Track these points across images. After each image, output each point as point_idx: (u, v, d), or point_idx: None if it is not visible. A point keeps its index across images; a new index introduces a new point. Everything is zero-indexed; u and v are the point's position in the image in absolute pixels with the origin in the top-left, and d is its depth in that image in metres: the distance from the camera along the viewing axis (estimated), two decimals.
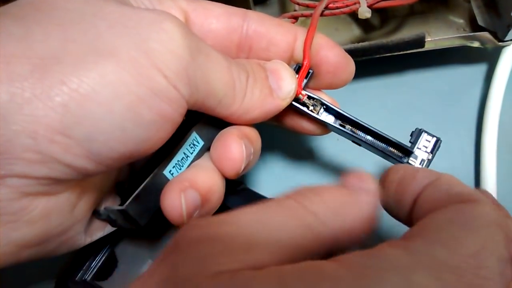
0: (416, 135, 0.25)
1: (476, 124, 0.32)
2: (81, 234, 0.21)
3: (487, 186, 0.30)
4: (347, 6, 0.28)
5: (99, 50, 0.17)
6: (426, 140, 0.25)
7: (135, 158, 0.19)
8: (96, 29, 0.17)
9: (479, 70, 0.34)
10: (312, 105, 0.25)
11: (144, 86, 0.17)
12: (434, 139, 0.25)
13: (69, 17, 0.18)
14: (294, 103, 0.25)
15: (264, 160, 0.33)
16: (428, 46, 0.32)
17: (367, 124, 0.25)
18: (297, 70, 0.25)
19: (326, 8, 0.27)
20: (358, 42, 0.32)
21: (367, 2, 0.28)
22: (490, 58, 0.34)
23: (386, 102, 0.34)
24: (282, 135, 0.33)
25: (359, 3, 0.28)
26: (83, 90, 0.16)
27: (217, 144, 0.23)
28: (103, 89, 0.17)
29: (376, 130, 0.25)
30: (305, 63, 0.24)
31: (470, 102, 0.33)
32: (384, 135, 0.25)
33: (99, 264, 0.24)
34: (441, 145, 0.32)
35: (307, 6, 0.28)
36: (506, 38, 0.31)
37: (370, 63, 0.32)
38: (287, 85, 0.23)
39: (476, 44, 0.32)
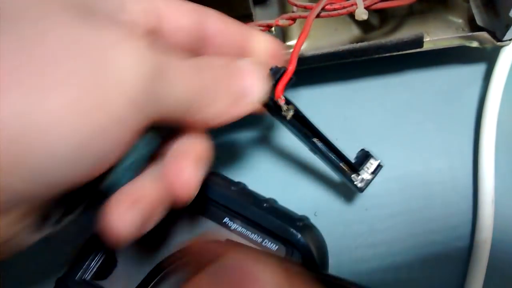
0: (362, 156, 0.28)
1: (475, 124, 0.32)
2: (29, 235, 0.19)
3: (484, 185, 0.30)
4: (344, 7, 0.28)
5: (45, 78, 0.15)
6: (370, 162, 0.27)
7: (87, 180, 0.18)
8: (45, 52, 0.16)
9: (478, 69, 0.34)
10: (286, 110, 0.25)
11: (96, 118, 0.16)
12: (377, 162, 0.28)
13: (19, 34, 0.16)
14: (269, 103, 0.25)
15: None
16: (427, 46, 0.32)
17: (327, 138, 0.27)
18: (274, 72, 0.25)
19: (323, 9, 0.28)
20: (358, 42, 0.32)
21: (364, 4, 0.28)
22: (489, 57, 0.34)
23: (385, 102, 0.34)
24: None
25: (356, 4, 0.28)
26: (21, 122, 0.15)
27: (171, 167, 0.21)
28: (48, 121, 0.15)
29: (334, 145, 0.27)
30: (290, 68, 0.24)
31: (469, 102, 0.33)
32: (339, 151, 0.27)
33: (98, 264, 0.25)
34: (440, 144, 0.32)
35: (305, 8, 0.28)
36: (505, 38, 0.31)
37: (369, 63, 0.32)
38: (258, 89, 0.22)
39: (474, 44, 0.32)
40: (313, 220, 0.28)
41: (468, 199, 0.31)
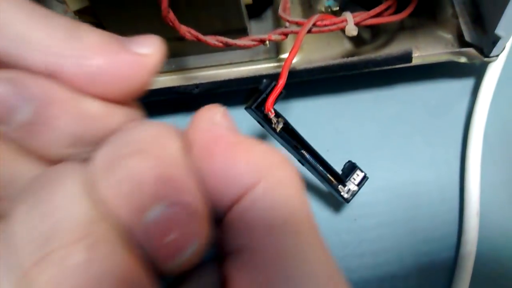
0: (348, 167, 0.29)
1: (462, 137, 0.33)
2: None
3: (470, 198, 0.31)
4: (334, 24, 0.29)
5: None
6: (356, 174, 0.28)
7: None
8: None
9: (466, 84, 0.35)
10: (276, 122, 0.26)
11: None
12: (363, 174, 0.29)
13: None
14: (260, 117, 0.26)
15: None
16: (415, 61, 0.33)
17: (315, 150, 0.28)
18: (265, 86, 0.26)
19: (314, 25, 0.29)
20: (349, 56, 0.33)
21: (354, 20, 0.29)
22: (476, 73, 0.35)
23: (375, 115, 0.35)
24: None
25: (346, 21, 0.29)
26: None
27: None
28: None
29: (321, 157, 0.28)
30: (280, 82, 0.25)
31: (457, 116, 0.34)
32: (326, 162, 0.28)
33: None
34: (428, 156, 0.33)
35: (297, 24, 0.29)
36: (492, 54, 0.32)
37: (360, 76, 0.33)
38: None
39: (463, 60, 0.33)
40: None
41: (455, 211, 0.32)
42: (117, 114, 0.17)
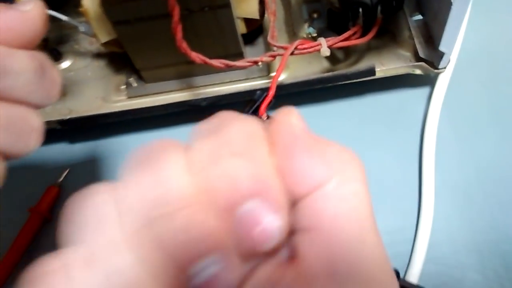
0: None
1: (420, 133, 0.41)
2: None
3: (427, 194, 0.38)
4: (311, 47, 0.36)
5: None
6: None
7: None
8: None
9: (423, 91, 0.43)
10: None
11: None
12: None
13: None
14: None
15: None
16: (379, 74, 0.40)
17: None
18: (259, 96, 0.33)
19: (296, 48, 0.36)
20: (327, 72, 0.41)
21: (327, 44, 0.37)
22: (430, 82, 0.42)
23: (350, 119, 0.42)
24: None
25: (321, 45, 0.37)
26: None
27: None
28: None
29: None
30: (270, 92, 0.33)
31: (416, 116, 0.41)
32: None
33: None
34: (392, 149, 0.40)
35: (282, 48, 0.37)
36: (440, 66, 0.40)
37: (335, 88, 0.41)
38: None
39: (418, 72, 0.41)
40: None
41: (414, 190, 0.39)
42: (19, 53, 0.22)
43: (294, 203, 0.17)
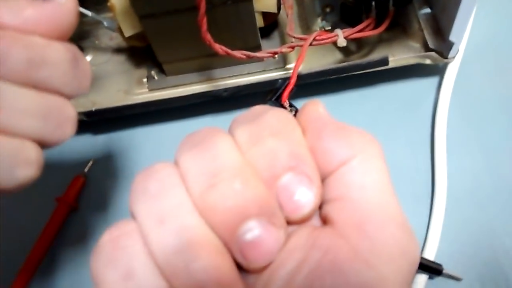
0: None
1: (431, 121, 0.43)
2: None
3: (440, 165, 0.40)
4: (329, 38, 0.38)
5: None
6: None
7: None
8: None
9: (433, 81, 0.44)
10: (290, 110, 0.35)
11: None
12: None
13: None
14: (278, 107, 0.35)
15: None
16: (391, 65, 0.42)
17: None
18: (281, 84, 0.35)
19: (314, 39, 0.38)
20: (341, 62, 0.43)
21: (343, 35, 0.39)
22: (440, 71, 0.44)
23: (362, 108, 0.44)
24: None
25: (337, 36, 0.39)
26: None
27: None
28: None
29: None
30: (292, 81, 0.35)
31: (426, 105, 0.43)
32: None
33: None
34: (404, 138, 0.42)
35: (300, 39, 0.39)
36: (449, 56, 0.42)
37: (349, 78, 0.43)
38: None
39: (428, 62, 0.43)
40: None
41: (427, 177, 0.41)
42: (56, 45, 0.23)
43: (324, 179, 0.19)
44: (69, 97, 0.26)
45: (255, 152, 0.19)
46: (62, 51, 0.24)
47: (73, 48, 0.25)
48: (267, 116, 0.20)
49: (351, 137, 0.20)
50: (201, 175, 0.18)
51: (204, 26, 0.35)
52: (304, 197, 0.18)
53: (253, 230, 0.17)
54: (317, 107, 0.21)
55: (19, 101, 0.22)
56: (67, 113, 0.25)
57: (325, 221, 0.19)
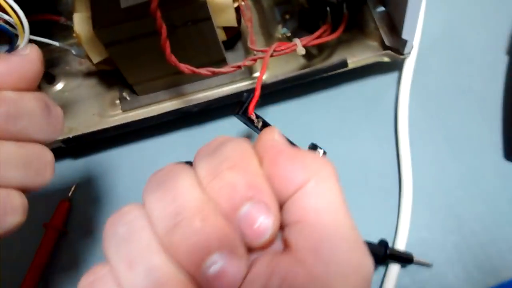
0: (312, 147, 0.39)
1: (394, 115, 0.45)
2: None
3: (405, 170, 0.42)
4: (288, 48, 0.40)
5: None
6: (318, 151, 0.39)
7: None
8: None
9: (393, 76, 0.46)
10: (257, 122, 0.37)
11: None
12: (322, 150, 0.39)
13: None
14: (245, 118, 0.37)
15: None
16: (351, 66, 0.44)
17: (288, 139, 0.37)
18: (246, 97, 0.37)
19: (274, 51, 0.40)
20: (304, 68, 0.45)
21: (302, 43, 0.40)
22: (398, 67, 0.46)
23: (329, 109, 0.46)
24: None
25: (296, 45, 0.40)
26: None
27: None
28: None
29: (292, 142, 0.38)
30: (256, 93, 0.37)
31: (388, 100, 0.45)
32: (296, 145, 0.38)
33: None
34: (370, 134, 0.44)
35: (262, 51, 0.40)
36: (405, 52, 0.44)
37: (314, 82, 0.45)
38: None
39: (386, 59, 0.45)
40: None
41: (394, 167, 0.43)
42: (27, 95, 0.25)
43: (283, 204, 0.21)
44: (45, 143, 0.27)
45: (214, 186, 0.20)
46: (34, 101, 0.26)
47: (43, 96, 0.27)
48: (225, 149, 0.21)
49: (305, 162, 0.21)
50: (165, 216, 0.19)
51: (168, 49, 0.37)
52: (264, 224, 0.19)
53: (216, 263, 0.18)
54: (272, 135, 0.22)
55: (1, 154, 0.24)
56: (46, 158, 0.27)
57: (285, 244, 0.20)
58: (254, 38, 0.43)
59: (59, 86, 0.49)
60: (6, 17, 0.34)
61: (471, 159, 0.42)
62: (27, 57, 0.25)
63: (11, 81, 0.25)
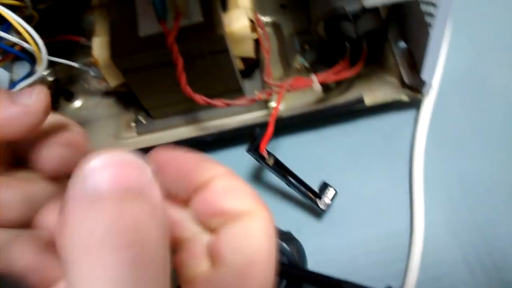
0: (323, 186, 0.39)
1: (409, 154, 0.44)
2: None
3: (418, 212, 0.41)
4: (304, 84, 0.40)
5: None
6: (328, 191, 0.39)
7: None
8: None
9: (410, 114, 0.45)
10: (268, 159, 0.37)
11: None
12: (333, 190, 0.39)
13: None
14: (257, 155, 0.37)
15: None
16: (368, 103, 0.44)
17: (297, 176, 0.39)
18: (258, 134, 0.37)
19: (290, 86, 0.40)
20: (321, 100, 0.44)
21: (318, 79, 0.40)
22: (417, 105, 0.46)
23: (343, 143, 0.45)
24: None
25: (312, 81, 0.40)
26: None
27: None
28: None
29: (302, 180, 0.39)
30: (269, 131, 0.37)
31: (405, 138, 0.44)
32: (306, 184, 0.39)
33: None
34: (384, 172, 0.44)
35: (277, 86, 0.40)
36: (423, 92, 0.43)
37: (328, 117, 0.44)
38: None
39: (404, 98, 0.44)
40: (296, 234, 0.39)
41: (406, 209, 0.42)
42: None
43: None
44: None
45: None
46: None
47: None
48: None
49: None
50: None
51: (184, 81, 0.37)
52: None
53: None
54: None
55: None
56: None
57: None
58: (271, 70, 0.43)
59: (77, 103, 0.50)
60: (25, 45, 0.35)
61: (486, 206, 0.41)
62: (30, 108, 0.23)
63: (8, 132, 0.22)
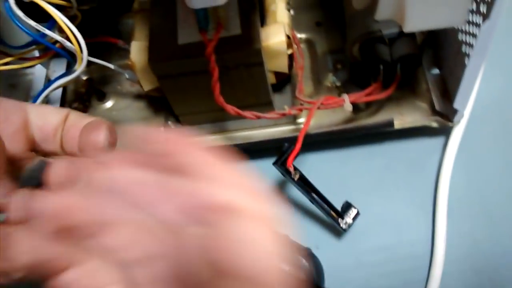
0: (345, 205, 0.39)
1: (435, 182, 0.44)
2: None
3: (439, 241, 0.41)
4: (336, 103, 0.40)
5: None
6: (351, 211, 0.39)
7: None
8: None
9: (438, 141, 0.45)
10: (294, 174, 0.38)
11: None
12: (356, 210, 0.39)
13: None
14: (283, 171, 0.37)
15: None
16: (397, 126, 0.44)
17: (321, 193, 0.39)
18: (286, 149, 0.37)
19: (322, 104, 0.40)
20: (350, 120, 0.45)
21: (350, 99, 0.40)
22: (446, 132, 0.45)
23: (368, 165, 0.45)
24: None
25: (344, 101, 0.40)
26: None
27: None
28: None
29: (326, 198, 0.39)
30: (297, 146, 0.37)
31: (431, 166, 0.44)
32: (329, 202, 0.39)
33: None
34: (408, 197, 0.43)
35: (308, 103, 0.40)
36: (454, 120, 0.43)
37: (356, 137, 0.44)
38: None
39: (434, 125, 0.44)
40: (315, 251, 0.39)
41: (427, 236, 0.42)
42: None
43: None
44: None
45: None
46: None
47: None
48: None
49: None
50: None
51: (217, 91, 0.38)
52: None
53: None
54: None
55: None
56: None
57: None
58: (303, 86, 0.43)
59: (108, 104, 0.51)
60: (67, 43, 0.36)
61: (508, 241, 0.41)
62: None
63: None
